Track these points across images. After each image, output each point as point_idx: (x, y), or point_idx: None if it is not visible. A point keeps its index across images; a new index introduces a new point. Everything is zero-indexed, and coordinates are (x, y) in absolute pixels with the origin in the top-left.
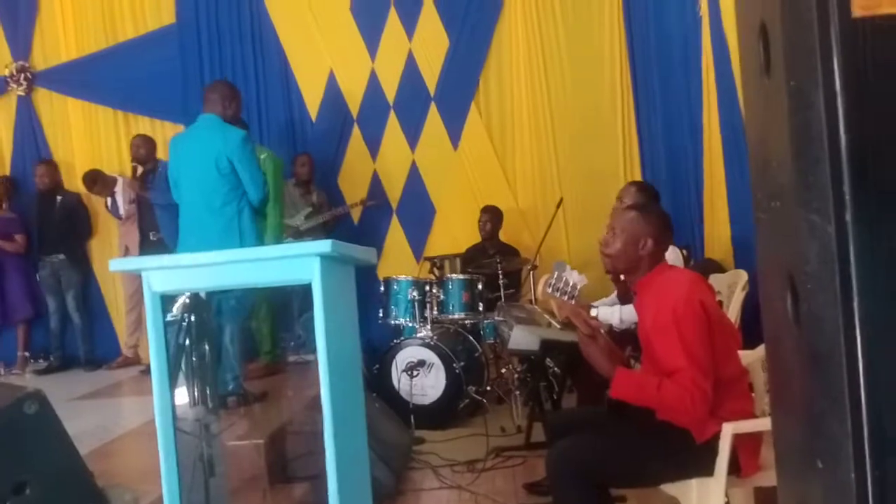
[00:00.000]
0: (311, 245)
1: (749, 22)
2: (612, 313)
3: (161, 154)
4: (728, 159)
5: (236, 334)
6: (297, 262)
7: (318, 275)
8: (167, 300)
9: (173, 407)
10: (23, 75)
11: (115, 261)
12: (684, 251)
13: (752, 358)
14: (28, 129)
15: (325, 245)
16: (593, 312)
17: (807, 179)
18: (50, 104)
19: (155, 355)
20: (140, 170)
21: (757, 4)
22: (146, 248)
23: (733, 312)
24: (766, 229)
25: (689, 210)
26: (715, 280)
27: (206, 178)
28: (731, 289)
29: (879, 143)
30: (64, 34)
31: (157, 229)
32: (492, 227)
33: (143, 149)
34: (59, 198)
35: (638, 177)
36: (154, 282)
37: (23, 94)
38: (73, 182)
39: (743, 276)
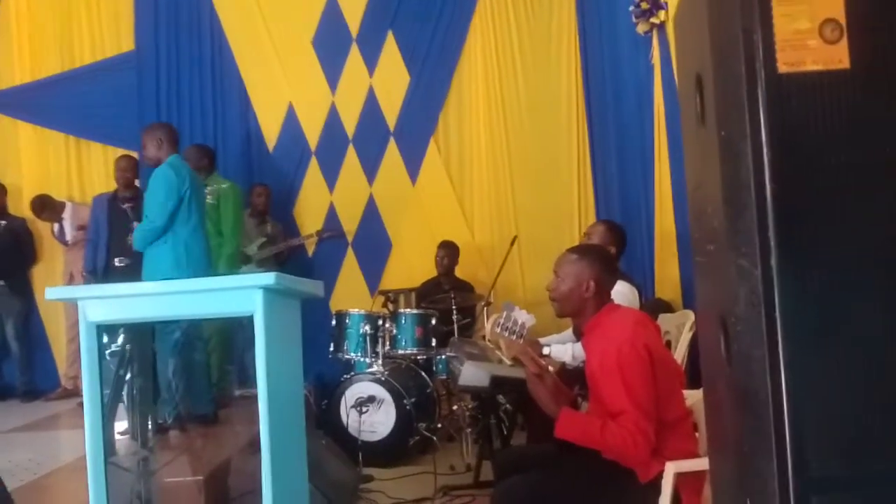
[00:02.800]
0: (253, 277)
1: (687, 72)
2: (564, 351)
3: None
4: (677, 202)
5: (181, 367)
6: (239, 294)
7: (261, 307)
8: (106, 330)
9: (106, 442)
10: None
11: (51, 289)
12: (638, 289)
13: (696, 398)
14: None
15: (268, 278)
16: (546, 350)
17: (736, 225)
18: (1, 127)
19: (88, 387)
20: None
21: (694, 56)
22: (111, 273)
23: (681, 352)
24: (702, 272)
25: (640, 250)
26: (664, 320)
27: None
28: (680, 329)
29: (803, 193)
30: (19, 56)
31: (126, 254)
32: (449, 262)
33: (130, 172)
34: (2, 222)
35: (592, 217)
36: (90, 312)
37: None
38: (20, 207)
39: (690, 316)
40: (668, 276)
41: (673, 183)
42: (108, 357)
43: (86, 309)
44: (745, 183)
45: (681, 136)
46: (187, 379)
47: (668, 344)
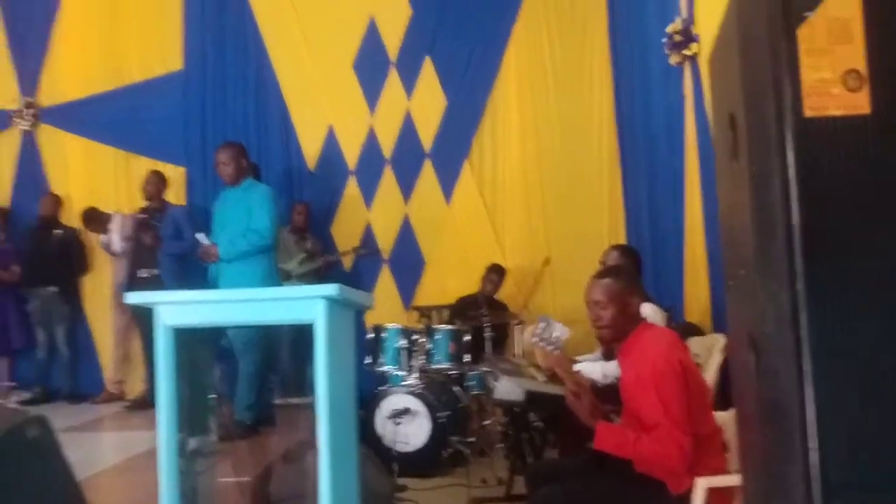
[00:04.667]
0: (316, 288)
1: (721, 111)
2: (594, 369)
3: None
4: (708, 228)
5: (248, 370)
6: (303, 303)
7: (323, 316)
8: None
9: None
10: (29, 111)
11: (132, 294)
12: (667, 311)
13: (726, 418)
14: (30, 163)
15: (331, 288)
16: (576, 367)
17: (766, 251)
18: (52, 140)
19: (164, 389)
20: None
21: (727, 97)
22: (135, 285)
23: (710, 375)
24: (734, 294)
25: (669, 274)
26: (693, 343)
27: None
28: (710, 352)
29: (826, 223)
30: (71, 73)
31: (151, 266)
32: (496, 286)
33: (151, 185)
34: (56, 232)
35: (622, 240)
36: (166, 316)
37: (27, 129)
38: (71, 217)
39: (720, 340)
40: (697, 299)
41: (704, 208)
42: None
43: (162, 313)
44: (775, 214)
45: (712, 163)
46: (231, 386)
47: (698, 367)
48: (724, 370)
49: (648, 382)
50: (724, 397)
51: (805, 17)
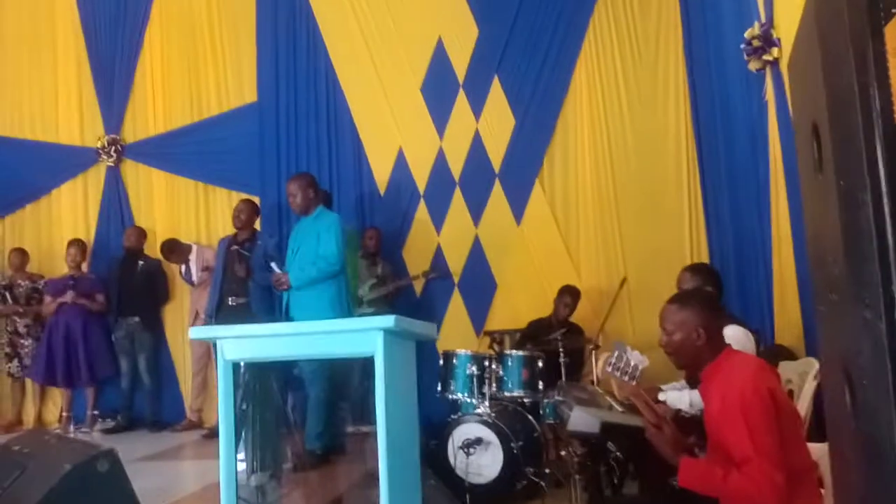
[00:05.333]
0: (375, 319)
1: (803, 120)
2: (680, 397)
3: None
4: (797, 244)
5: (318, 399)
6: (361, 335)
7: (381, 349)
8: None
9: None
10: (113, 147)
11: (194, 329)
12: (755, 334)
13: (821, 452)
14: (114, 197)
15: (388, 320)
16: (661, 397)
17: (859, 276)
18: (136, 175)
19: (224, 420)
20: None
21: (809, 104)
22: (223, 312)
23: (804, 403)
24: (825, 321)
25: (758, 294)
26: (785, 367)
27: None
28: (803, 378)
29: None
30: (153, 110)
31: (239, 295)
32: (569, 308)
33: (244, 214)
34: (140, 263)
35: (705, 258)
36: (227, 350)
37: (112, 164)
38: (154, 249)
39: (814, 364)
40: (788, 321)
41: (792, 222)
42: None
43: (223, 347)
44: (867, 234)
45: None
46: (304, 415)
47: (791, 393)
48: (819, 397)
49: (736, 413)
50: (819, 426)
51: (894, 12)
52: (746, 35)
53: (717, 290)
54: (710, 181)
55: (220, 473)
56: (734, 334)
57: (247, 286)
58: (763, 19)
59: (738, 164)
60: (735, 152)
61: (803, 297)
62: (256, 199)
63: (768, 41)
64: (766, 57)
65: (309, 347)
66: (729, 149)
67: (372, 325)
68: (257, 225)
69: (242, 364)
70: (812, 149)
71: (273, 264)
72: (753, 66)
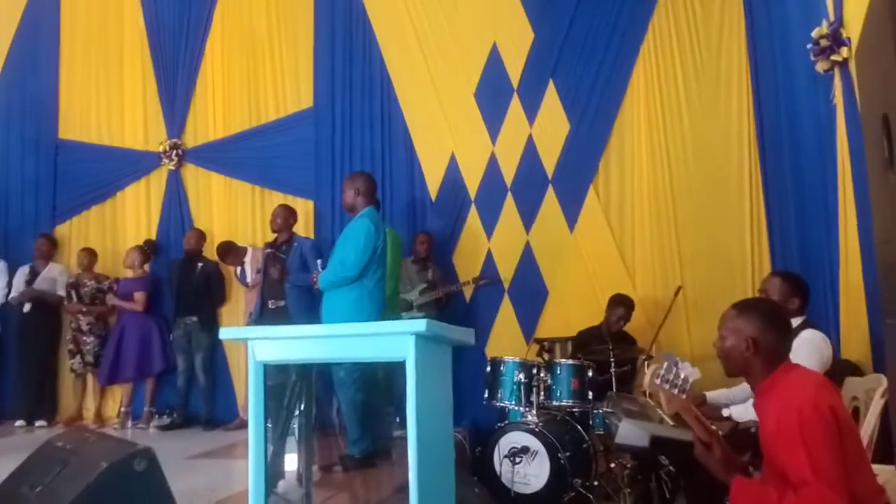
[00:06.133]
0: (406, 323)
1: (872, 112)
2: (746, 410)
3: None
4: (864, 253)
5: (350, 404)
6: (393, 339)
7: (413, 353)
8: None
9: (268, 471)
10: (175, 152)
11: (224, 330)
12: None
13: (889, 475)
14: (175, 200)
15: (419, 324)
16: (726, 413)
17: None
18: (196, 178)
19: (253, 421)
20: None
21: (879, 95)
22: (265, 315)
23: (871, 421)
24: (894, 335)
25: (823, 306)
26: (851, 384)
27: None
28: (870, 395)
29: None
30: (213, 115)
31: (278, 298)
32: (621, 318)
33: (280, 218)
34: (199, 264)
35: (767, 267)
36: (258, 351)
37: (173, 168)
38: (212, 251)
39: (882, 381)
40: (855, 334)
41: (860, 229)
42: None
43: (254, 349)
44: None
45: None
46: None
47: (856, 411)
48: (887, 415)
49: (794, 433)
50: (887, 447)
51: None
52: (814, 34)
53: (802, 301)
54: (773, 188)
55: (249, 472)
56: (812, 337)
57: (283, 289)
58: (832, 18)
59: (804, 169)
60: (801, 158)
61: (871, 310)
62: (311, 203)
63: (837, 41)
64: (834, 57)
65: (338, 350)
66: (794, 154)
67: (403, 328)
68: (298, 229)
69: (290, 364)
70: (882, 145)
71: (318, 262)
72: (821, 66)
